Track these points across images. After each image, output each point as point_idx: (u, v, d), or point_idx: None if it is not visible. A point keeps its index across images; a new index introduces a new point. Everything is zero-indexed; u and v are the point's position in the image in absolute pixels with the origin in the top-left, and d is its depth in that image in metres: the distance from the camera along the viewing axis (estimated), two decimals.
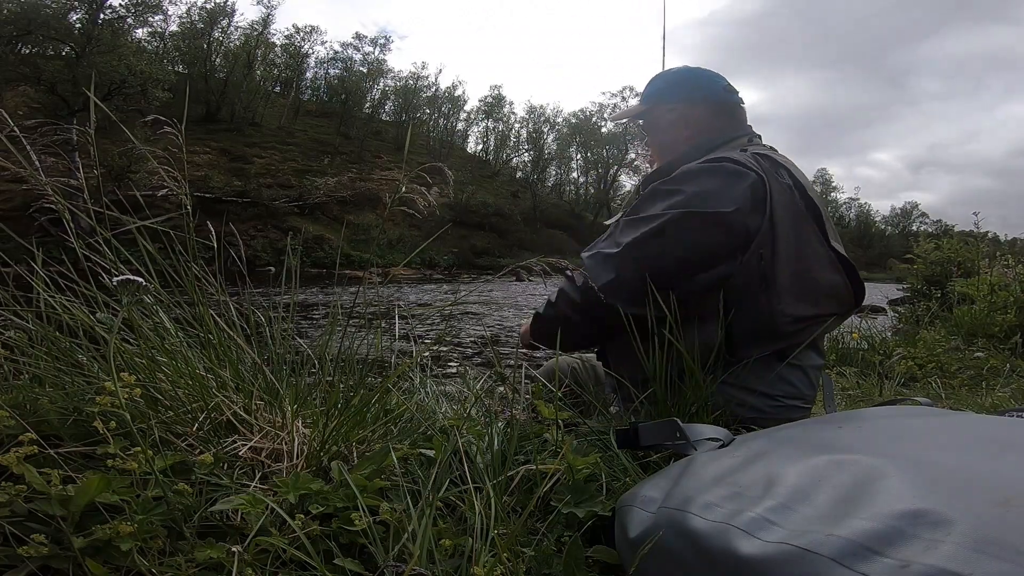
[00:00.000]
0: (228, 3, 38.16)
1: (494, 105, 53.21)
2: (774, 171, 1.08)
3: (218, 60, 38.59)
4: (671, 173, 1.13)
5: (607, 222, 1.35)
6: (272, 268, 1.08)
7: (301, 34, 44.96)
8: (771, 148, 1.21)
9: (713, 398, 1.02)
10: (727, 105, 1.26)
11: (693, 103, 1.26)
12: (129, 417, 0.58)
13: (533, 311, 1.21)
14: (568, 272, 1.09)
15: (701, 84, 1.27)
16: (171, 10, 34.16)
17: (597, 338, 1.19)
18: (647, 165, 1.42)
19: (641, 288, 0.99)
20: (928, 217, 69.92)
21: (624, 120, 1.43)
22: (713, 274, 1.02)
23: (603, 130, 50.54)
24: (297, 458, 0.73)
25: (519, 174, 52.10)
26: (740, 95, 1.28)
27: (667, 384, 1.02)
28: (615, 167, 50.29)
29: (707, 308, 1.03)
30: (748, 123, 1.28)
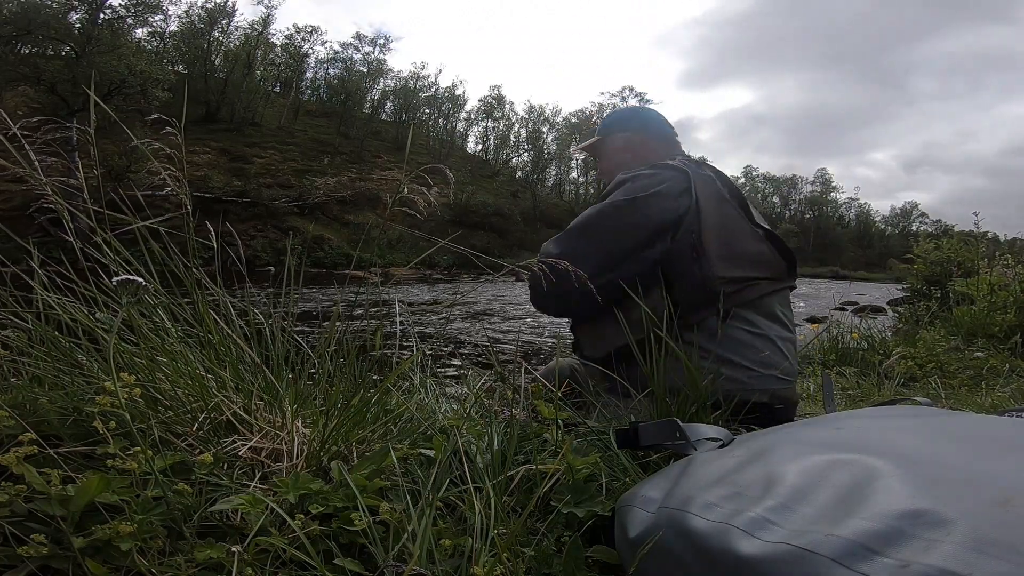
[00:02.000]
0: (228, 3, 38.16)
1: (494, 105, 53.23)
2: (697, 167, 1.33)
3: (218, 60, 38.57)
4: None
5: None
6: (272, 268, 1.08)
7: (301, 34, 44.97)
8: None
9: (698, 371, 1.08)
10: (663, 135, 1.55)
11: (636, 133, 1.55)
12: (129, 417, 0.58)
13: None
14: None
15: (642, 119, 1.58)
16: (171, 10, 34.19)
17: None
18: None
19: (595, 273, 1.11)
20: (928, 217, 69.90)
21: (582, 152, 1.66)
22: (654, 251, 1.23)
23: None
24: (297, 458, 0.73)
25: (519, 174, 52.09)
26: (674, 129, 1.60)
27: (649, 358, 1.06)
28: None
29: (651, 281, 1.22)
30: (682, 149, 1.57)
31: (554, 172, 55.14)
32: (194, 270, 0.87)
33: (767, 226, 1.33)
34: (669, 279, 1.22)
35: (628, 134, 1.55)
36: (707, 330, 1.19)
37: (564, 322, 1.48)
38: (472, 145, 55.64)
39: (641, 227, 1.23)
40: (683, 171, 1.29)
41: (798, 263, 1.36)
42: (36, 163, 0.79)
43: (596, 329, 1.30)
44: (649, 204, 1.24)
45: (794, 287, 1.39)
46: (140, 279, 0.64)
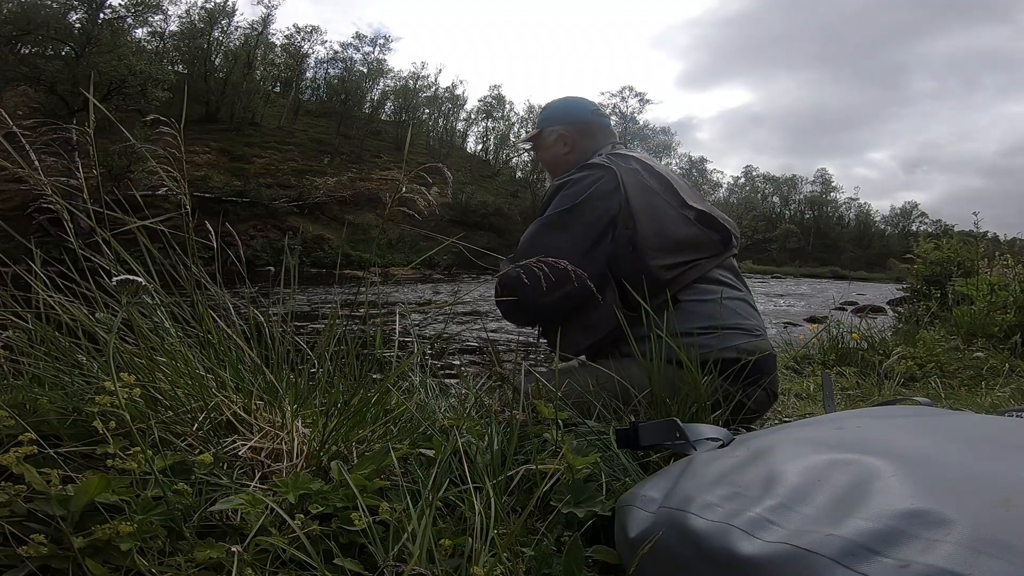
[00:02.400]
0: (228, 3, 38.15)
1: (494, 105, 53.22)
2: (623, 162, 1.39)
3: (218, 60, 38.55)
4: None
5: None
6: (272, 268, 1.08)
7: (301, 34, 44.96)
8: (628, 148, 1.56)
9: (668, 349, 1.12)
10: (595, 125, 1.61)
11: (566, 126, 1.61)
12: (129, 417, 0.58)
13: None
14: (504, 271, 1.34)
15: (571, 111, 1.63)
16: (171, 10, 34.18)
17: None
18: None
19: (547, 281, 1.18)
20: (927, 217, 69.80)
21: (527, 143, 1.74)
22: (601, 251, 1.29)
23: None
24: (297, 458, 0.73)
25: (519, 174, 52.07)
26: (607, 117, 1.66)
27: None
28: None
29: (604, 280, 1.29)
30: (614, 135, 1.64)
31: None
32: (193, 270, 0.87)
33: (699, 205, 1.39)
34: (615, 274, 1.29)
35: (561, 127, 1.61)
36: (660, 314, 1.26)
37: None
38: (472, 145, 55.65)
39: (585, 232, 1.30)
40: (610, 168, 1.36)
41: (734, 233, 1.43)
42: (36, 163, 0.79)
43: (584, 321, 1.35)
44: (588, 209, 1.32)
45: (735, 254, 1.46)
46: (140, 279, 0.64)
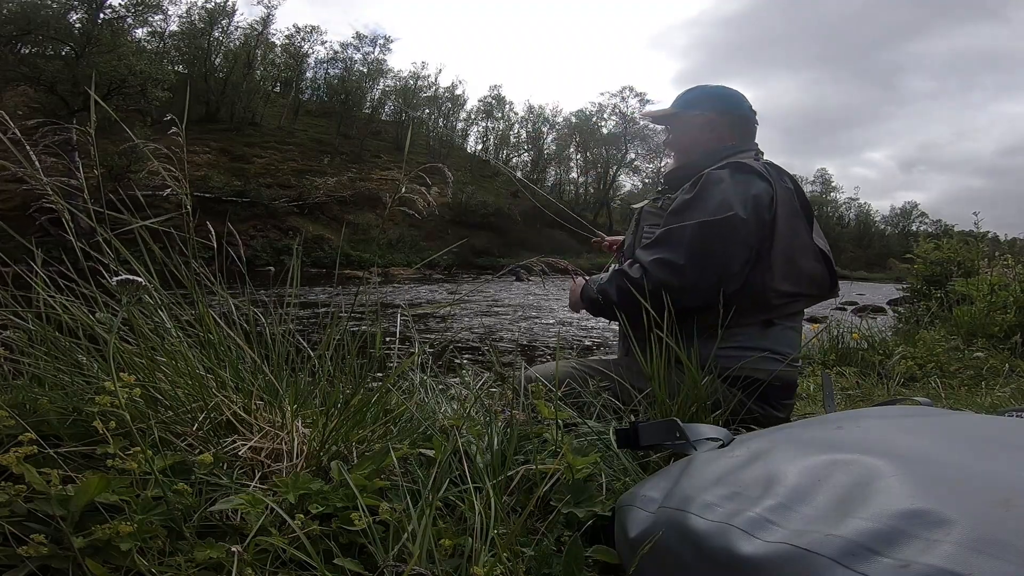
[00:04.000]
0: (228, 3, 38.16)
1: (494, 105, 53.26)
2: (779, 177, 1.35)
3: (218, 60, 38.56)
4: (693, 172, 1.39)
5: (635, 205, 1.61)
6: (272, 268, 1.08)
7: (301, 34, 44.96)
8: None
9: (712, 359, 1.13)
10: (746, 122, 1.53)
11: (719, 114, 1.51)
12: (129, 417, 0.58)
13: (587, 280, 1.42)
14: (623, 268, 1.34)
15: (728, 100, 1.54)
16: (171, 10, 34.19)
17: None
18: (666, 161, 1.73)
19: (708, 289, 1.24)
20: (928, 217, 69.73)
21: (651, 118, 1.68)
22: (746, 270, 1.26)
23: (603, 130, 50.74)
24: (297, 458, 0.73)
25: (519, 174, 51.97)
26: (756, 116, 1.55)
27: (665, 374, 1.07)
28: (615, 167, 50.37)
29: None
30: (755, 137, 1.55)
31: (554, 172, 55.10)
32: (193, 270, 0.87)
33: (822, 245, 1.38)
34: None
35: (714, 114, 1.52)
36: (755, 330, 1.31)
37: (567, 322, 1.49)
38: (472, 145, 55.64)
39: (743, 250, 1.26)
40: (768, 181, 1.31)
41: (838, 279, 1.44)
42: (37, 163, 0.79)
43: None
44: (752, 221, 1.26)
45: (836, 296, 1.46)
46: (140, 279, 0.64)
